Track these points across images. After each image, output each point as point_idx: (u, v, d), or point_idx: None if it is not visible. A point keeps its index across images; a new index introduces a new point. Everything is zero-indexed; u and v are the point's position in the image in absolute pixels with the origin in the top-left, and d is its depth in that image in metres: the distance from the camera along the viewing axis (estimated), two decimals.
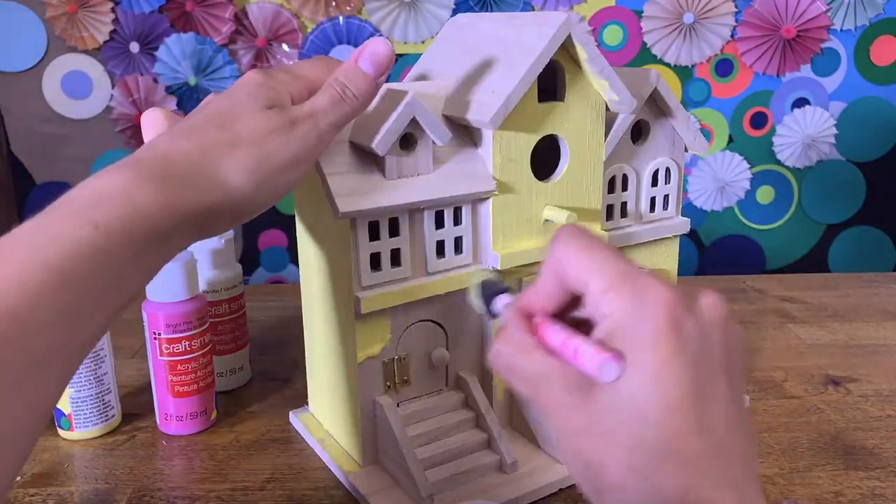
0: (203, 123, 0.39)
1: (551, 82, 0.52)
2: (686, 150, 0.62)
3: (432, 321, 0.52)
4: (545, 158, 0.53)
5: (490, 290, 0.38)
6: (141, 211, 0.33)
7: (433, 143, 0.48)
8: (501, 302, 0.37)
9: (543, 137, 0.52)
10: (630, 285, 0.30)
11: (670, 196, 0.62)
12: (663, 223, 0.62)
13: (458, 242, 0.52)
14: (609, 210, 0.59)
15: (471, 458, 0.53)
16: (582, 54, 0.50)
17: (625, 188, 0.60)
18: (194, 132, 0.38)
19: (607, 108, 0.54)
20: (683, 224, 0.63)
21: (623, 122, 0.57)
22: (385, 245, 0.48)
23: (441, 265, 0.51)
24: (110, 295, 0.32)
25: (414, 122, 0.46)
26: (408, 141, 0.48)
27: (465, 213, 0.51)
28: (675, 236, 0.63)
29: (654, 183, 0.61)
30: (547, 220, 0.53)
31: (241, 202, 0.38)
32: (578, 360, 0.30)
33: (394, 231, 0.49)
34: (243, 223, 0.41)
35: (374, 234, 0.48)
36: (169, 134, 0.39)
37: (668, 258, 0.64)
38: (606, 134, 0.55)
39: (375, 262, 0.49)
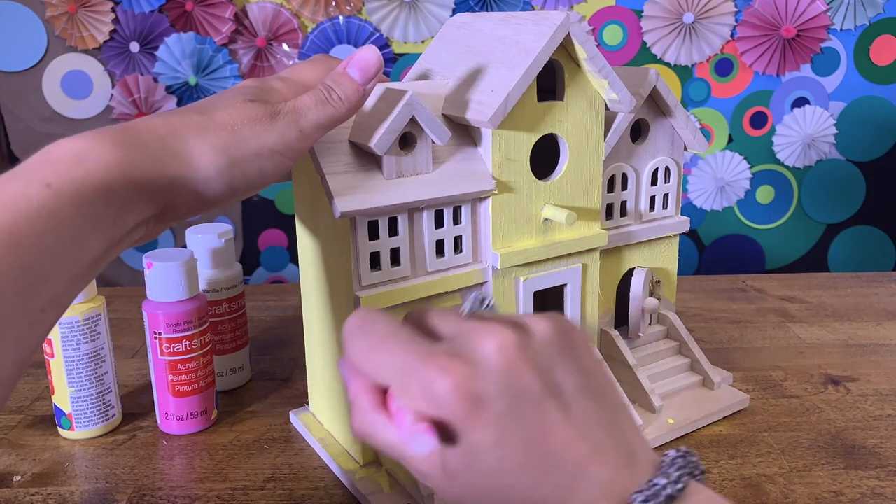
0: (182, 109, 0.39)
1: (550, 81, 0.52)
2: (686, 149, 0.62)
3: None
4: (545, 157, 0.53)
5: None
6: (92, 173, 0.33)
7: (432, 142, 0.48)
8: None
9: (543, 136, 0.52)
10: (416, 382, 0.30)
11: (670, 195, 0.62)
12: (663, 222, 0.62)
13: (457, 242, 0.52)
14: (608, 209, 0.59)
15: None
16: (581, 53, 0.50)
17: (624, 187, 0.60)
18: (170, 114, 0.38)
19: (606, 107, 0.54)
20: (683, 223, 0.63)
21: (622, 121, 0.57)
22: (384, 244, 0.49)
23: (441, 264, 0.51)
24: (65, 257, 0.32)
25: (413, 121, 0.46)
26: (407, 140, 0.48)
27: (465, 212, 0.51)
28: (674, 235, 0.63)
29: (654, 182, 0.61)
30: (546, 220, 0.53)
31: (205, 182, 0.37)
32: (400, 430, 0.31)
33: (393, 230, 0.49)
34: (208, 211, 0.41)
35: (373, 234, 0.48)
36: (146, 116, 0.39)
37: (667, 257, 0.64)
38: (606, 133, 0.55)
39: (375, 261, 0.49)
